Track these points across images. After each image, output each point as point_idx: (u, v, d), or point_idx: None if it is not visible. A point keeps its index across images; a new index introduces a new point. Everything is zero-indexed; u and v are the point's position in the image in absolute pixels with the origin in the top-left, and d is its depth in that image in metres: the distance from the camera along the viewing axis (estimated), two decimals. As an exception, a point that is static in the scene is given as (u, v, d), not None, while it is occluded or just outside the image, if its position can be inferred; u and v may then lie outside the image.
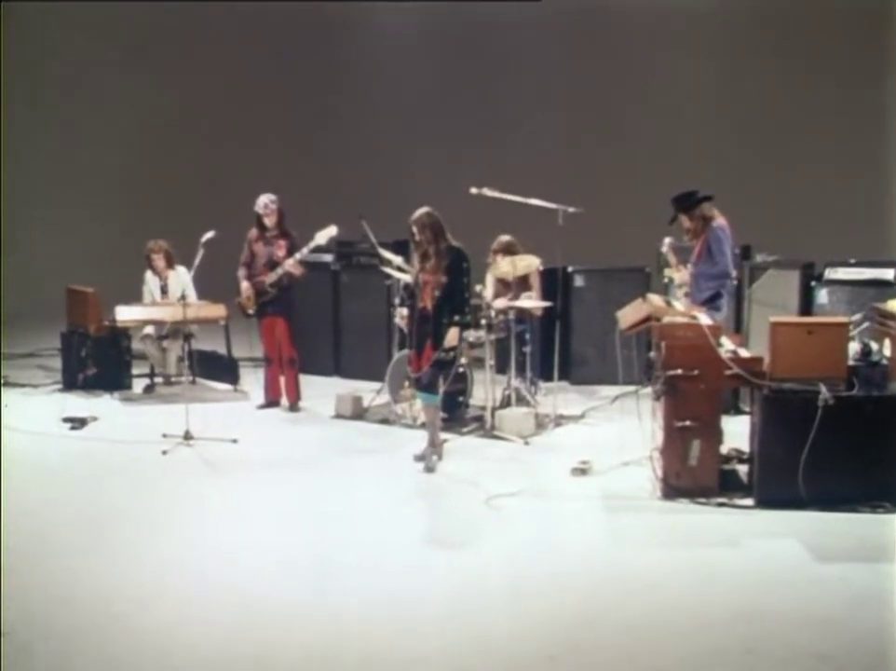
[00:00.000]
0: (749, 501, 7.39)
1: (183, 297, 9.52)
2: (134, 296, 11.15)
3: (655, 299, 8.11)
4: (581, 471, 8.15)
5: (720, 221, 8.71)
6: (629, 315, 7.99)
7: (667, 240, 9.12)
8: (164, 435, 9.15)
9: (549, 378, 10.14)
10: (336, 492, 7.91)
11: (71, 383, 11.16)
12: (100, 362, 11.07)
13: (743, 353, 7.70)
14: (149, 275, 11.18)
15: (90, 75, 16.29)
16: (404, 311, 8.75)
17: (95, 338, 11.01)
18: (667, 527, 7.10)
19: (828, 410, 7.06)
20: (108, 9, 15.65)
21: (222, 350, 11.35)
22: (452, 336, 8.23)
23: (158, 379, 11.31)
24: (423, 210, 8.32)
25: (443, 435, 9.01)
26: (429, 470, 8.31)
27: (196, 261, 9.62)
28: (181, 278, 11.04)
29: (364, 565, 6.44)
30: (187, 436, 9.03)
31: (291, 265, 10.02)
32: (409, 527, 7.14)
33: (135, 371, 11.46)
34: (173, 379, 11.30)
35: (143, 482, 8.19)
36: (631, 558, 6.55)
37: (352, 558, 6.55)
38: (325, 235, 10.01)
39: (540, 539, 6.91)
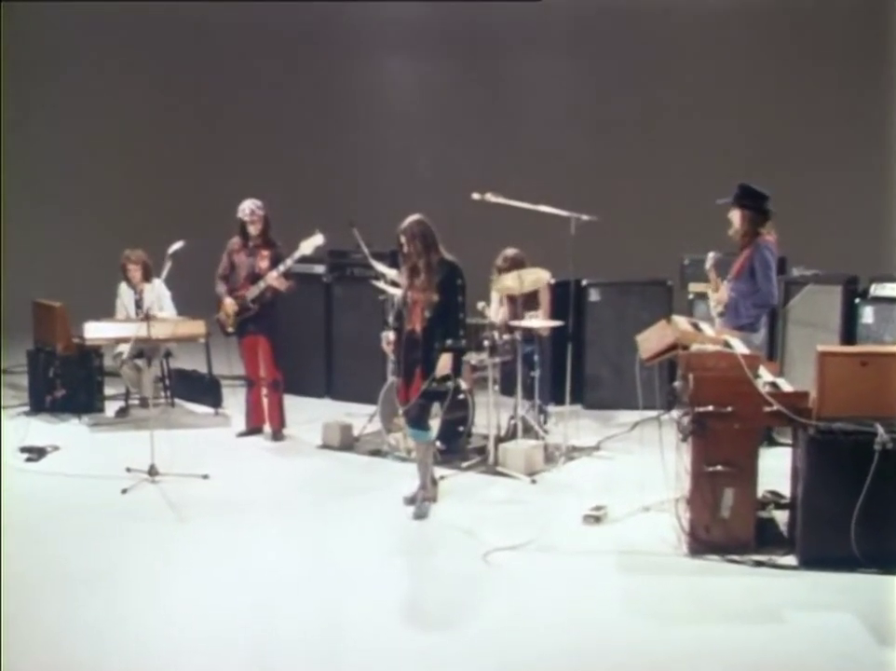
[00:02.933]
0: (791, 560, 6.37)
1: (147, 313, 8.47)
2: (108, 311, 10.18)
3: (680, 322, 7.08)
4: (595, 518, 7.16)
5: (769, 238, 7.74)
6: (651, 341, 6.94)
7: (712, 255, 8.04)
8: (128, 469, 8.19)
9: (560, 402, 9.22)
10: (309, 544, 6.91)
11: (38, 405, 10.19)
12: (68, 384, 10.12)
13: (785, 386, 6.65)
14: (123, 287, 10.23)
15: (67, 78, 15.27)
16: (390, 335, 7.69)
17: (63, 357, 10.06)
18: (695, 594, 6.06)
19: (885, 455, 6.06)
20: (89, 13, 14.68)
21: (203, 369, 10.36)
22: (443, 364, 7.21)
23: (134, 401, 10.31)
24: (413, 217, 7.34)
25: (440, 471, 8.09)
26: (420, 516, 7.32)
27: (164, 274, 8.66)
28: (157, 291, 10.07)
29: (325, 647, 5.45)
30: (152, 472, 8.07)
31: (273, 278, 9.02)
32: (388, 593, 6.10)
33: (109, 392, 10.55)
34: (150, 402, 10.28)
35: (93, 528, 7.19)
36: (653, 634, 5.54)
37: (312, 636, 5.56)
38: (311, 244, 9.04)
39: (544, 607, 5.89)
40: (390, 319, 7.83)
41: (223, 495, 7.82)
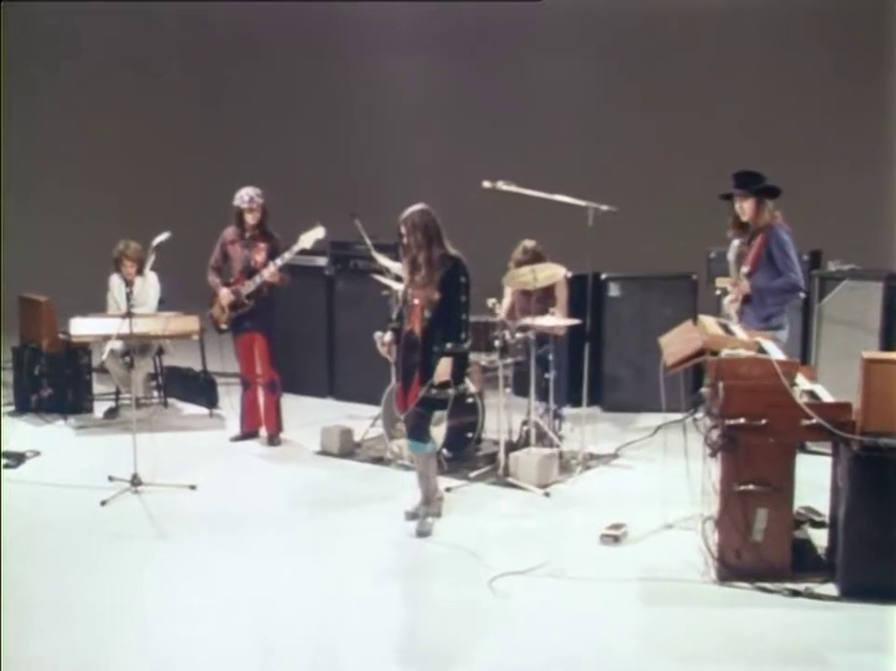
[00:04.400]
0: (831, 589, 5.75)
1: (128, 309, 7.84)
2: (99, 305, 9.58)
3: (709, 324, 6.43)
4: (613, 538, 6.54)
5: (780, 222, 7.09)
6: (676, 345, 6.31)
7: (736, 243, 7.31)
8: (110, 478, 7.62)
9: (577, 404, 8.65)
10: (299, 565, 6.32)
11: (23, 405, 9.61)
12: (55, 382, 9.55)
13: (824, 395, 6.00)
14: (114, 280, 9.59)
15: (58, 68, 14.57)
16: (386, 336, 7.05)
17: (49, 355, 9.48)
18: (723, 627, 5.44)
19: (938, 474, 5.40)
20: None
21: (197, 367, 9.81)
22: (442, 370, 6.58)
23: (125, 401, 9.70)
24: (415, 207, 6.72)
25: (446, 481, 7.49)
26: (422, 534, 6.71)
27: (147, 267, 8.07)
28: (149, 285, 9.53)
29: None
30: (135, 481, 7.48)
31: (270, 273, 8.42)
32: (382, 624, 5.53)
33: (99, 390, 9.98)
34: (142, 401, 9.74)
35: (65, 547, 6.61)
36: (680, 679, 4.92)
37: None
38: (311, 237, 8.45)
39: (555, 642, 5.29)
40: (393, 316, 7.19)
41: (210, 508, 7.24)
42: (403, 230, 6.67)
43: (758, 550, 5.85)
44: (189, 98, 15.14)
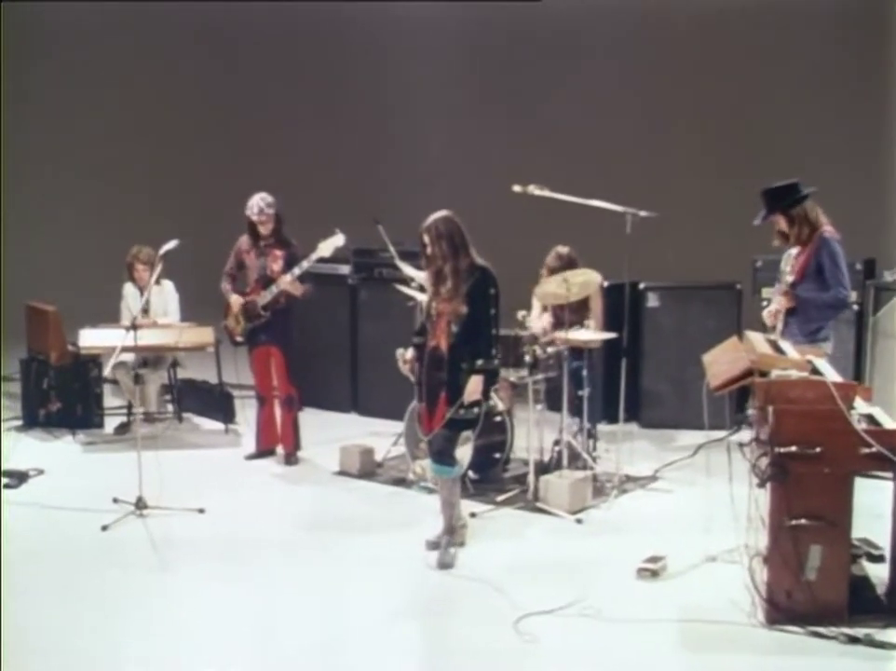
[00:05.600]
0: (893, 635, 5.19)
1: (133, 321, 7.39)
2: (109, 315, 9.15)
3: (757, 341, 5.89)
4: (651, 572, 6.04)
5: (830, 229, 6.56)
6: (721, 365, 5.77)
7: (793, 252, 6.72)
8: (115, 500, 7.18)
9: (613, 420, 8.19)
10: (308, 599, 5.85)
11: (31, 420, 9.20)
12: (64, 396, 9.14)
13: (884, 420, 5.46)
14: (128, 288, 9.20)
15: (67, 69, 14.19)
16: (408, 354, 6.59)
17: (58, 367, 9.06)
18: (775, 681, 4.92)
19: None
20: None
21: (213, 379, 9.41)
22: (473, 388, 6.14)
23: (140, 414, 9.23)
24: (439, 214, 6.27)
25: (472, 505, 7.04)
26: (443, 565, 6.23)
27: (154, 277, 7.67)
28: (166, 294, 9.18)
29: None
30: (140, 504, 7.04)
31: (287, 283, 7.96)
32: (392, 667, 5.07)
33: (112, 404, 9.56)
34: (155, 416, 9.34)
35: (59, 576, 6.16)
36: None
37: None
38: (330, 245, 7.99)
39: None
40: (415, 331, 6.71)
41: (217, 534, 6.78)
42: (426, 239, 6.23)
43: (811, 590, 5.31)
44: (206, 101, 14.70)
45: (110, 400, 9.53)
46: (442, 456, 6.30)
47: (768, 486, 5.34)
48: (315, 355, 9.37)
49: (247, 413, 8.89)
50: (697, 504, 6.96)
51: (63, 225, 13.71)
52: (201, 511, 7.08)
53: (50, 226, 13.63)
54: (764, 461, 5.36)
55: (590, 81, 13.22)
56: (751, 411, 5.92)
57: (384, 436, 8.52)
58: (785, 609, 5.34)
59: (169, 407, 9.56)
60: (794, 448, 5.23)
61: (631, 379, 8.16)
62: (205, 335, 8.77)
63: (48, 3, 13.34)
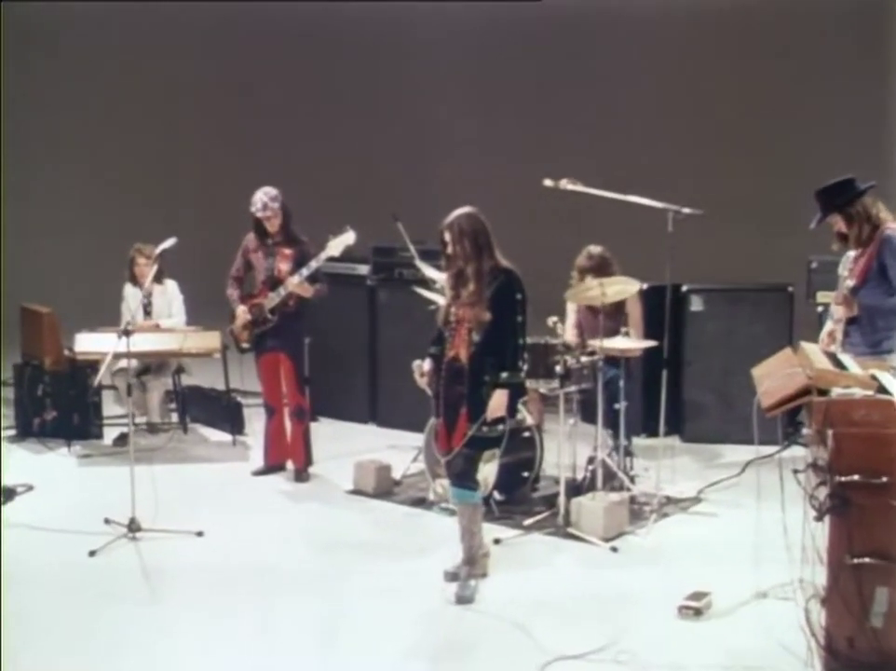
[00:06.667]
0: (973, 692, 4.60)
1: (126, 326, 6.86)
2: (108, 318, 8.63)
3: (814, 354, 5.27)
4: (694, 610, 5.48)
5: (894, 226, 5.98)
6: (774, 381, 5.15)
7: (851, 255, 6.21)
8: (106, 521, 6.69)
9: (653, 433, 7.73)
10: (312, 637, 5.40)
11: (25, 429, 8.70)
12: (59, 404, 8.61)
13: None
14: (129, 289, 8.72)
15: (65, 66, 13.81)
16: (425, 365, 6.03)
17: (53, 373, 8.58)
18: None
19: None
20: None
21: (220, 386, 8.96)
22: (497, 404, 5.65)
23: (142, 425, 8.77)
24: (462, 210, 5.82)
25: (496, 530, 6.51)
26: (462, 599, 5.70)
27: (149, 278, 7.17)
28: (169, 294, 8.72)
29: None
30: (133, 526, 6.52)
31: (294, 285, 7.43)
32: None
33: (111, 413, 8.96)
34: (159, 426, 8.84)
35: (44, 606, 5.69)
36: None
37: None
38: (339, 243, 7.52)
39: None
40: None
41: (214, 561, 6.26)
42: (447, 237, 5.78)
43: (877, 638, 4.71)
44: (215, 92, 14.25)
45: (111, 408, 8.99)
46: (463, 479, 5.78)
47: (828, 519, 4.75)
48: (331, 361, 8.88)
49: (257, 423, 8.39)
50: (745, 530, 6.31)
51: (63, 225, 13.36)
52: (199, 534, 6.58)
53: (50, 227, 13.29)
54: (822, 492, 4.75)
55: (631, 69, 12.83)
56: (805, 430, 5.31)
57: (403, 450, 8.03)
58: (846, 657, 4.75)
59: (174, 417, 9.05)
60: (856, 477, 4.65)
61: (671, 389, 7.62)
62: (211, 339, 8.29)
63: (48, 3, 13.08)
